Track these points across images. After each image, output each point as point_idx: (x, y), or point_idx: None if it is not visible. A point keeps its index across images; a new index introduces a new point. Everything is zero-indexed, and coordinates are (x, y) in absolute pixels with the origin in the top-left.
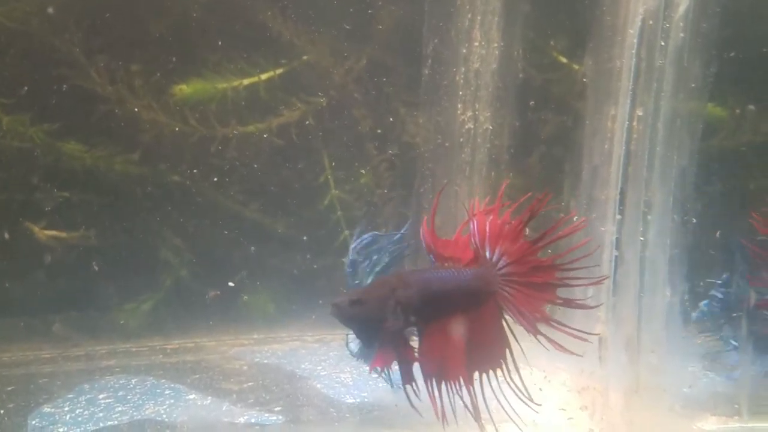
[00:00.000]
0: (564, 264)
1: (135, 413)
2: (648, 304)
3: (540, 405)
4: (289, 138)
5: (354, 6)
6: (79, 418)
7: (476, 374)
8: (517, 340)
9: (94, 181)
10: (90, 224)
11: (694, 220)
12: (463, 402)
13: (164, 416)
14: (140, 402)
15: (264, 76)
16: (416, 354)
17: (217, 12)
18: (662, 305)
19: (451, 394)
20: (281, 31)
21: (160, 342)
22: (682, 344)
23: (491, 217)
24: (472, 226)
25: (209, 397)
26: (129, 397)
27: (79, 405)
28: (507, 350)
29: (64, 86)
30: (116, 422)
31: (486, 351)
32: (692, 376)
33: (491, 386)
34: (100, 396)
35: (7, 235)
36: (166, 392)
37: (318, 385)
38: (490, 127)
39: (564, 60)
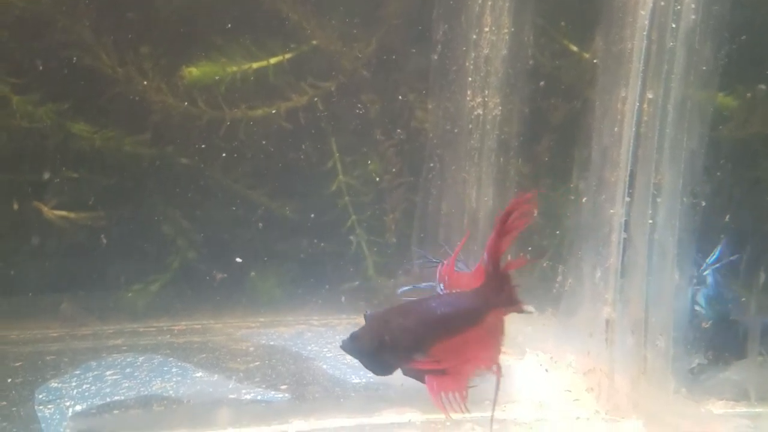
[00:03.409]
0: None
1: (142, 389)
2: (656, 287)
3: None
4: (297, 122)
5: None
6: (86, 393)
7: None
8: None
9: (103, 161)
10: (98, 205)
11: (704, 203)
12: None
13: (171, 392)
14: (147, 379)
15: (273, 60)
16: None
17: None
18: (670, 288)
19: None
20: (290, 15)
21: (167, 323)
22: (690, 327)
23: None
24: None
25: (216, 375)
26: (136, 374)
27: (86, 381)
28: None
29: (74, 67)
30: (123, 397)
31: (483, 353)
32: (700, 359)
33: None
34: (107, 372)
35: (16, 210)
36: (173, 370)
37: (324, 366)
38: (500, 114)
39: (574, 48)
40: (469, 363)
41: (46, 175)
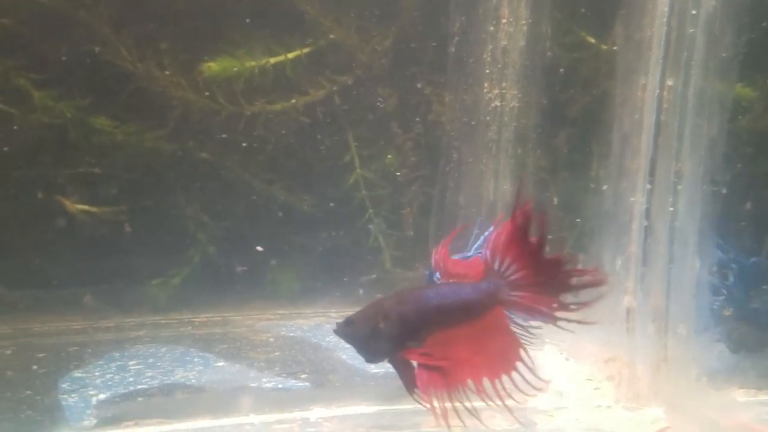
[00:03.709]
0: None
1: (164, 378)
2: (677, 275)
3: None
4: (315, 116)
5: None
6: (110, 382)
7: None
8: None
9: (124, 156)
10: (120, 199)
11: (724, 191)
12: (467, 408)
13: (193, 381)
14: (170, 368)
15: (291, 55)
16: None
17: None
18: (691, 276)
19: (454, 401)
20: (308, 10)
21: (188, 315)
22: (711, 316)
23: (506, 228)
24: (488, 240)
25: (237, 365)
26: (159, 363)
27: (109, 371)
28: (520, 351)
29: (95, 63)
30: (146, 386)
31: (495, 359)
32: (720, 347)
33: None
34: (130, 363)
35: (39, 204)
36: (195, 360)
37: (343, 356)
38: (517, 105)
39: (592, 40)
40: (464, 365)
41: (69, 170)
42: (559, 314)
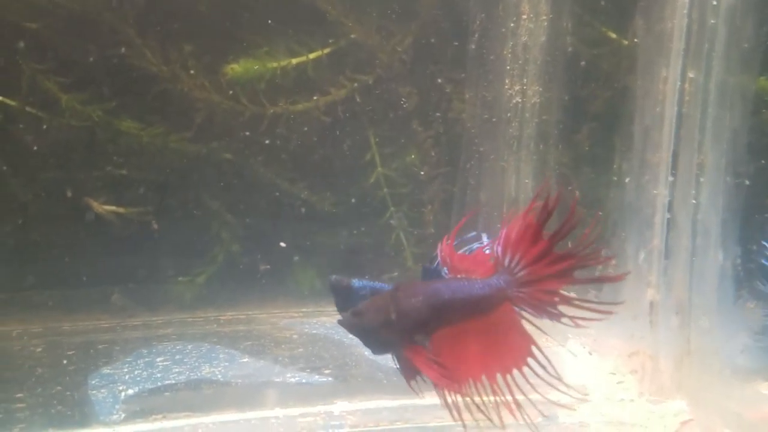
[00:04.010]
0: (580, 250)
1: (191, 374)
2: (700, 268)
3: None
4: (336, 115)
5: None
6: (138, 378)
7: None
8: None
9: (150, 158)
10: (146, 200)
11: (747, 182)
12: (476, 405)
13: (219, 376)
14: (196, 364)
15: (312, 56)
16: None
17: None
18: (714, 268)
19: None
20: (329, 10)
21: (213, 313)
22: (734, 308)
23: (518, 224)
24: (500, 235)
25: (262, 361)
26: (185, 360)
27: (137, 367)
28: (533, 347)
29: (120, 66)
30: (173, 381)
31: (507, 354)
32: (745, 340)
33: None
34: (158, 359)
35: (68, 205)
36: (221, 356)
37: (366, 352)
38: (539, 101)
39: (613, 35)
40: (473, 361)
41: (97, 172)
42: (572, 310)
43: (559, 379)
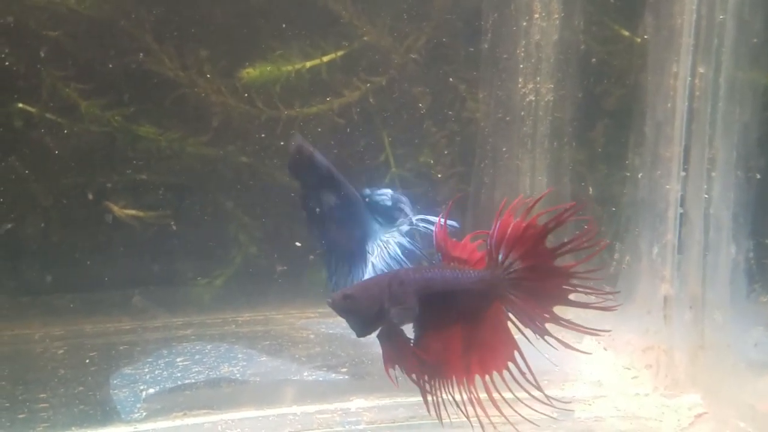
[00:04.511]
0: (579, 273)
1: (210, 373)
2: (712, 262)
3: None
4: (350, 117)
5: None
6: (158, 378)
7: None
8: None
9: (168, 162)
10: (165, 203)
11: (758, 176)
12: (454, 400)
13: (238, 375)
14: (215, 364)
15: (326, 58)
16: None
17: None
18: (727, 262)
19: (446, 392)
20: (342, 13)
21: (231, 315)
22: (747, 302)
23: (516, 220)
24: (493, 226)
25: (279, 360)
26: (204, 360)
27: (158, 367)
28: (515, 352)
29: (138, 71)
30: (193, 380)
31: (489, 353)
32: (758, 334)
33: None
34: (178, 359)
35: (89, 210)
36: (239, 356)
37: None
38: (552, 99)
39: (626, 33)
40: (456, 358)
41: (116, 176)
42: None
43: (539, 387)
